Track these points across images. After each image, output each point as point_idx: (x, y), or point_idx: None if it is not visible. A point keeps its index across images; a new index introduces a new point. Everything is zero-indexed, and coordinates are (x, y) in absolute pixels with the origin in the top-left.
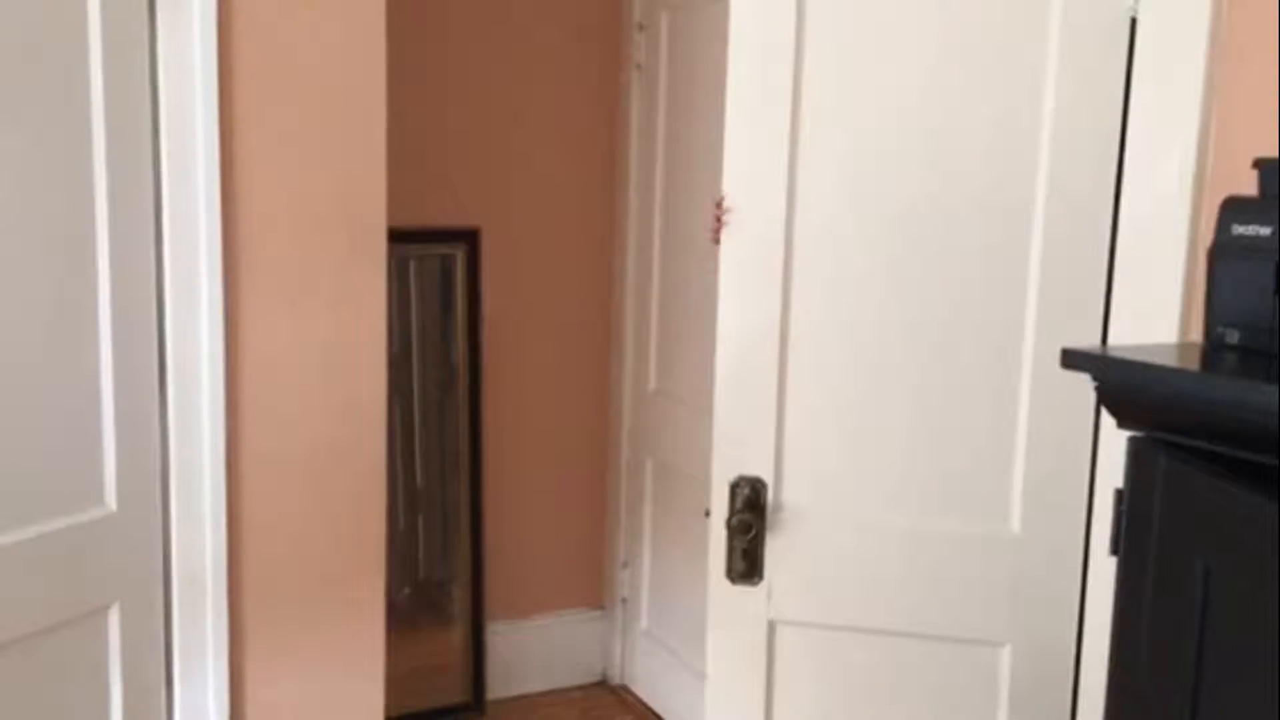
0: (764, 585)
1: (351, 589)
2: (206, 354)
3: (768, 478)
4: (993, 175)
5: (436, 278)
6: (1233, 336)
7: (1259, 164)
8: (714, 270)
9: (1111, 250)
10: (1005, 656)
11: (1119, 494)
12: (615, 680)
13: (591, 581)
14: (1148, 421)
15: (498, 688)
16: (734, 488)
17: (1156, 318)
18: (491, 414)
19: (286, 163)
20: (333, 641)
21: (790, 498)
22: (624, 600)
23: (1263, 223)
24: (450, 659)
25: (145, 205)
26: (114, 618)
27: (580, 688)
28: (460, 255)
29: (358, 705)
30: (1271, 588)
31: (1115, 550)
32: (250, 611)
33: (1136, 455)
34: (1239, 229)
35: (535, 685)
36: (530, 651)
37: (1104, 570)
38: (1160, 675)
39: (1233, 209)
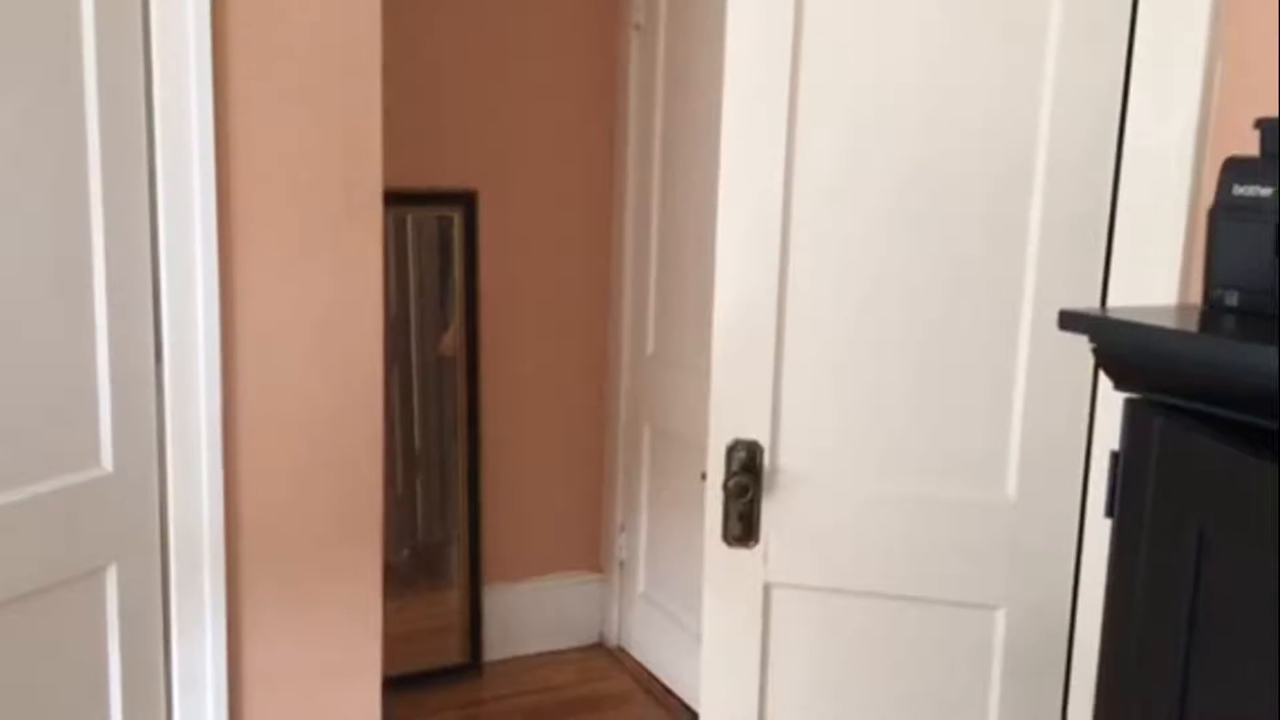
0: (760, 548)
1: (349, 551)
2: (202, 316)
3: (764, 441)
4: (993, 139)
5: (434, 240)
6: (1232, 298)
7: (1260, 124)
8: (713, 234)
9: (1112, 213)
10: (1000, 620)
11: (1115, 456)
12: (612, 642)
13: (589, 544)
14: (1145, 384)
15: (495, 649)
16: (730, 450)
17: (1156, 280)
18: (489, 377)
19: (282, 125)
20: (331, 603)
21: (786, 461)
22: (621, 563)
23: (1263, 183)
24: (448, 620)
25: (139, 168)
26: (111, 578)
27: (577, 650)
28: (458, 217)
29: (356, 666)
30: (1268, 549)
31: (1110, 512)
32: (248, 573)
33: (1133, 417)
34: (1239, 190)
35: (532, 647)
36: (528, 613)
37: (1099, 534)
38: (1154, 636)
39: (1233, 169)
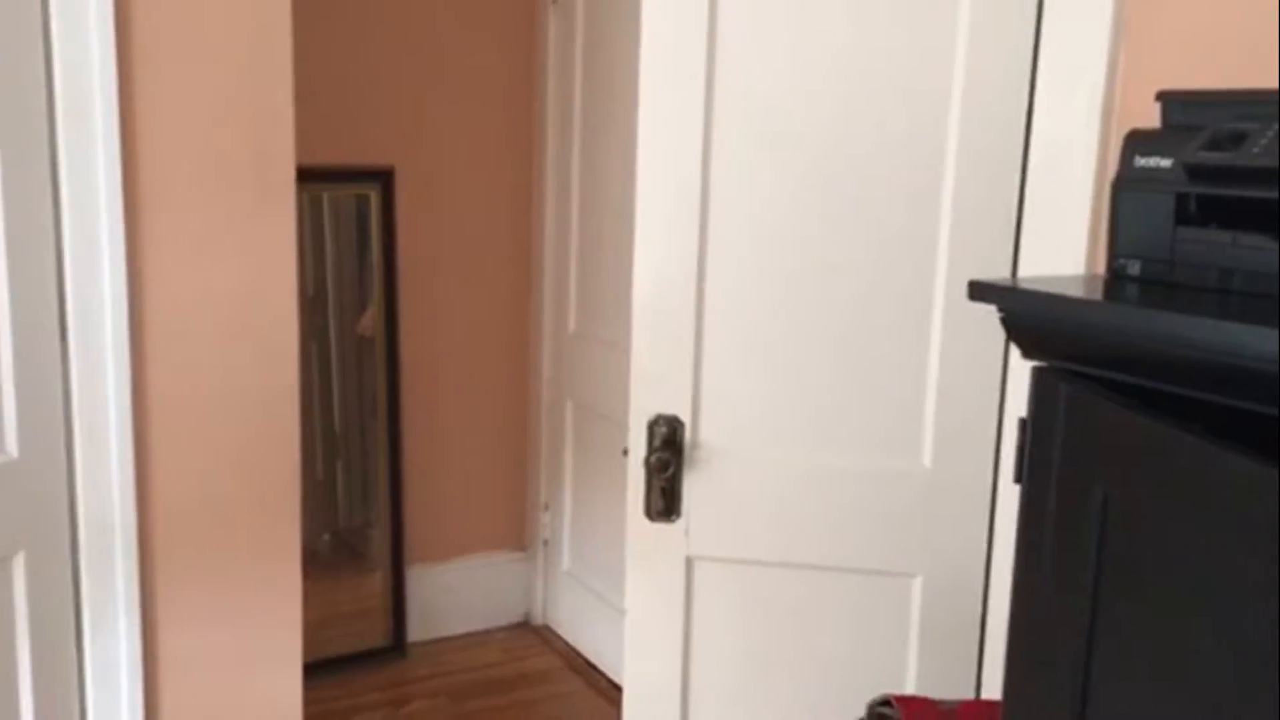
0: (682, 522)
1: (267, 535)
2: (109, 299)
3: (685, 416)
4: (907, 115)
5: (351, 218)
6: (1134, 268)
7: (1161, 96)
8: (634, 211)
9: (1021, 189)
10: (917, 587)
11: (1023, 423)
12: (537, 621)
13: (513, 523)
14: (1051, 352)
15: (419, 631)
16: (652, 426)
17: (1065, 252)
18: (409, 357)
19: (189, 103)
20: (248, 589)
21: (708, 436)
22: (545, 542)
23: (1164, 154)
24: (371, 603)
25: (39, 144)
26: (19, 567)
27: (502, 629)
28: (374, 195)
29: (275, 652)
30: (1169, 511)
31: (1019, 479)
32: (162, 559)
33: (1040, 384)
34: (1141, 161)
35: (457, 628)
36: (452, 594)
37: (1012, 501)
38: (1060, 599)
39: (1135, 141)
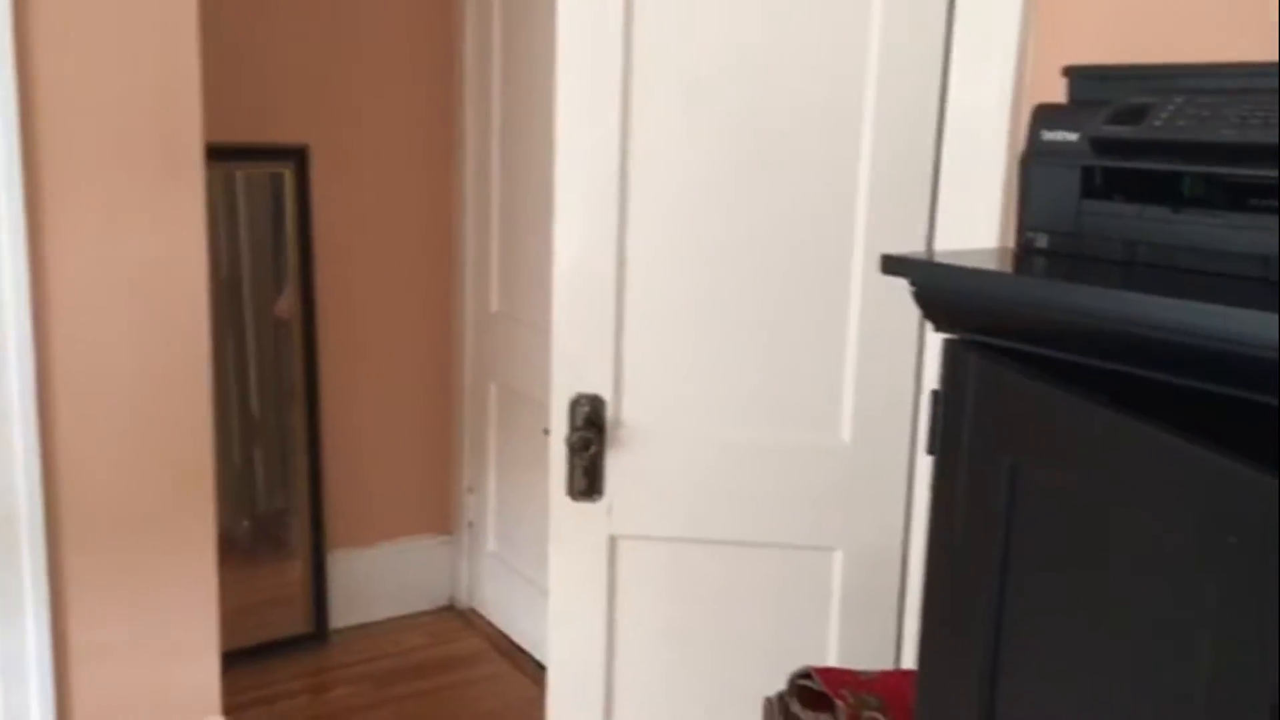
0: (605, 501)
1: (181, 522)
2: (9, 279)
3: (607, 395)
4: (823, 93)
5: (266, 198)
6: (1042, 240)
7: (1067, 71)
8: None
9: (936, 166)
10: (837, 561)
11: (935, 395)
12: (463, 604)
13: (437, 507)
14: (962, 324)
15: (341, 617)
16: (573, 405)
17: (978, 227)
18: (328, 340)
19: (92, 78)
20: (163, 577)
21: (630, 414)
22: (470, 524)
23: (1070, 129)
24: (291, 590)
25: None
26: None
27: (427, 613)
28: (289, 174)
29: (191, 642)
30: (1072, 479)
31: (932, 450)
32: (71, 550)
33: (951, 356)
34: (1048, 135)
35: (381, 613)
36: (376, 579)
37: (928, 473)
38: (971, 566)
39: (1043, 116)
